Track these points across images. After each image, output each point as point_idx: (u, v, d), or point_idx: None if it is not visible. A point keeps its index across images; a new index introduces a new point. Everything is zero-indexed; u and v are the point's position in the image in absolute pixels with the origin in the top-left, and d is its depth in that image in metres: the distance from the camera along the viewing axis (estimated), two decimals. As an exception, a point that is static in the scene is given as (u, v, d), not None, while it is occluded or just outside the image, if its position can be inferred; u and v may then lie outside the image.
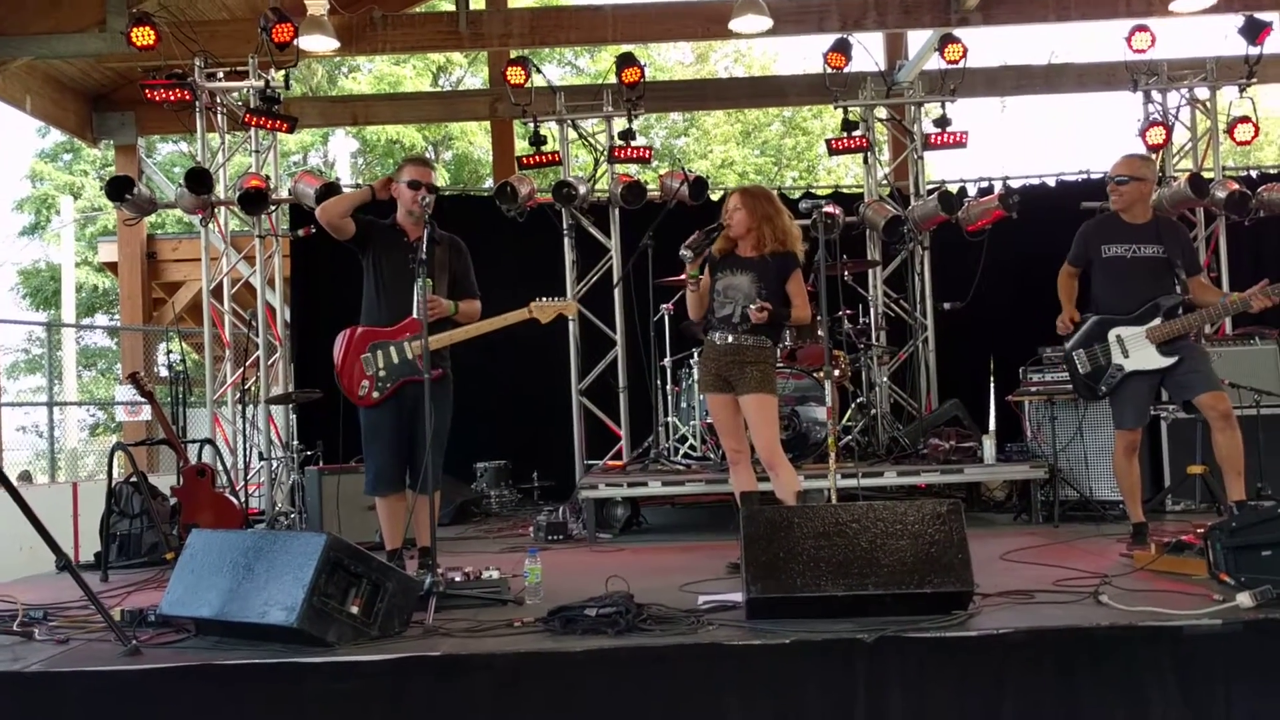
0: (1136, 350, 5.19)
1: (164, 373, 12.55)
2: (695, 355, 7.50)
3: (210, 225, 8.20)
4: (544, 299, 5.18)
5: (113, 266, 13.15)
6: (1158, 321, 5.16)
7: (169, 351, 8.20)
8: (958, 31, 8.77)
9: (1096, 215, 7.24)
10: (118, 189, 7.87)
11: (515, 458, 9.03)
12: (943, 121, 8.51)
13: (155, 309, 12.58)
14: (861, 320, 8.24)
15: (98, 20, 9.00)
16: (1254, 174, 9.78)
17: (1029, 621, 3.76)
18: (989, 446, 6.82)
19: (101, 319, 21.43)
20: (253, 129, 8.06)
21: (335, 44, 9.06)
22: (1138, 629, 3.61)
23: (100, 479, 15.71)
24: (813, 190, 10.56)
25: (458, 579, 4.52)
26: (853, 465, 6.63)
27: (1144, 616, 3.70)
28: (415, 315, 4.75)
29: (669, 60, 22.17)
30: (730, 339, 5.19)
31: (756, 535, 3.88)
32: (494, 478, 8.75)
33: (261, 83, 7.95)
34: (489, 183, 16.11)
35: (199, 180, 7.73)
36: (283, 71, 8.08)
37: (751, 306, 5.04)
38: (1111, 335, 5.25)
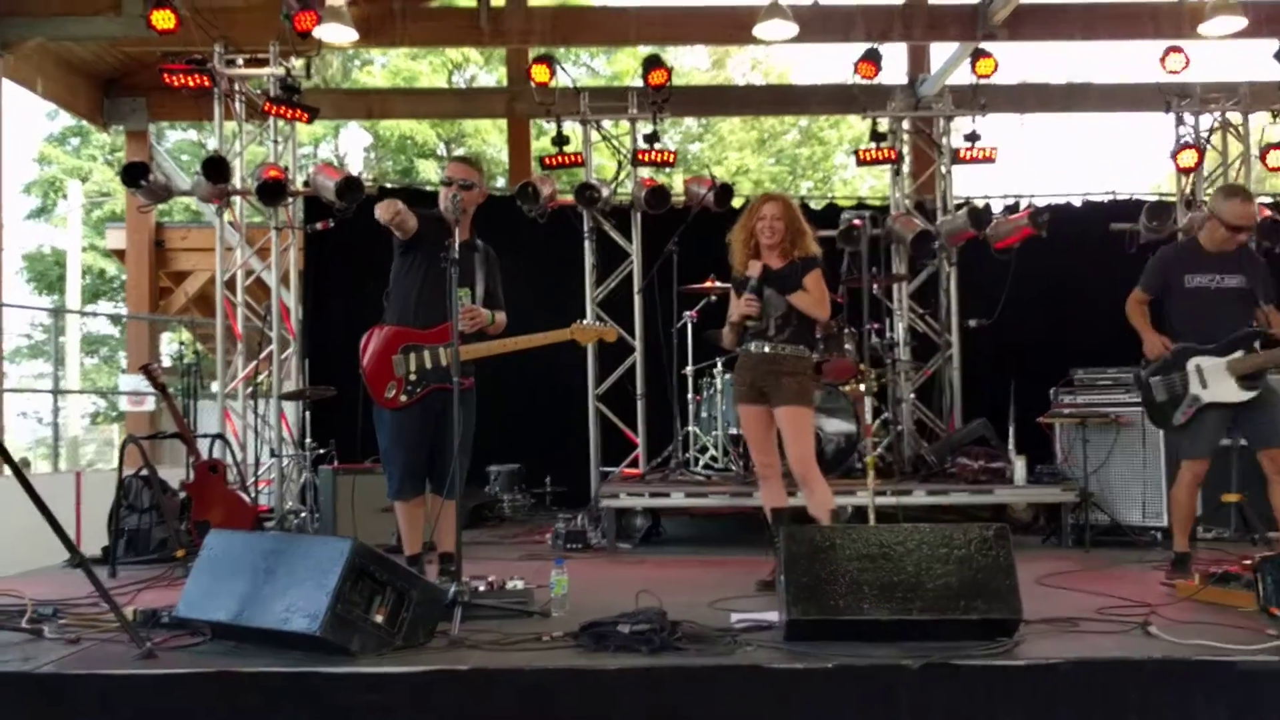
0: (1216, 382, 5.05)
1: (168, 363, 12.40)
2: (718, 364, 7.36)
3: (224, 215, 8.06)
4: (584, 321, 5.11)
5: (120, 253, 13.00)
6: (1240, 354, 5.03)
7: (180, 342, 8.06)
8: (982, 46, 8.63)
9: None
10: (133, 175, 7.70)
11: (528, 462, 8.86)
12: (973, 136, 8.35)
13: (161, 298, 12.44)
14: (887, 335, 8.09)
15: (113, 3, 8.89)
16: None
17: (1076, 651, 3.65)
18: (1020, 467, 6.66)
19: (105, 305, 21.29)
20: (271, 118, 7.92)
21: (354, 35, 8.85)
22: (1191, 663, 3.51)
23: (101, 468, 15.57)
24: (834, 201, 10.41)
25: (481, 588, 4.38)
26: (882, 483, 6.47)
27: (1197, 650, 3.59)
28: (453, 323, 4.57)
29: (685, 65, 22.06)
30: (767, 349, 5.07)
31: (798, 555, 3.75)
32: (507, 482, 8.58)
33: (282, 71, 7.80)
34: (501, 181, 16.00)
35: (216, 169, 7.57)
36: (303, 60, 7.94)
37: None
38: (1190, 365, 5.10)
